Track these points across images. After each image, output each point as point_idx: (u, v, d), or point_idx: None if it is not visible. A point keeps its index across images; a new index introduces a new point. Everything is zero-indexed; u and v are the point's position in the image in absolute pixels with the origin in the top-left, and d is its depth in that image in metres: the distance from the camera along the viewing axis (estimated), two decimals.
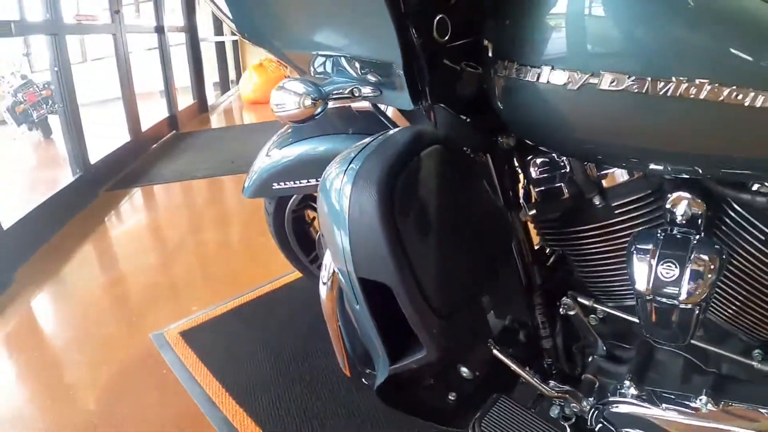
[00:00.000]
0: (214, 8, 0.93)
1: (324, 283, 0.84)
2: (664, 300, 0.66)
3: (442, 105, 0.79)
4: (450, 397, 0.95)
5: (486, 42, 0.72)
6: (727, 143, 0.58)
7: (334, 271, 0.81)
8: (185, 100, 5.29)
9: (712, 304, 0.76)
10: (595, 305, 0.88)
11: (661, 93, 0.54)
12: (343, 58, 0.79)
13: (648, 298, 0.68)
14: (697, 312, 0.65)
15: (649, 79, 0.54)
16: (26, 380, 1.48)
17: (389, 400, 0.86)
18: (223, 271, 1.99)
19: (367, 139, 0.72)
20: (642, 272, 0.67)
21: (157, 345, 1.52)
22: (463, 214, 0.75)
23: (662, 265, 0.65)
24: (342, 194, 0.67)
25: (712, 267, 0.63)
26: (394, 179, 0.65)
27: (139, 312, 1.74)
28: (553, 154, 0.81)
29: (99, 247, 2.32)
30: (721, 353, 0.79)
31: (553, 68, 0.61)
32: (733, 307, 0.74)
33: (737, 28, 0.52)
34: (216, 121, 5.39)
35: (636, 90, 0.55)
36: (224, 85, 7.08)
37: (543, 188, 0.84)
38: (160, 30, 4.64)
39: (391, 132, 0.75)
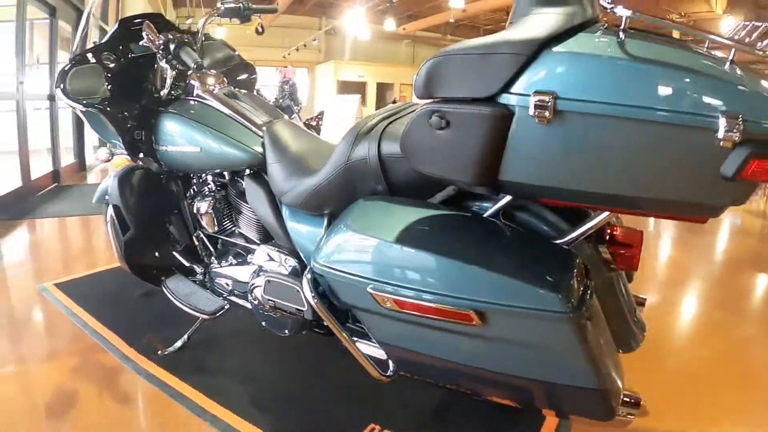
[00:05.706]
0: (72, 106, 2.02)
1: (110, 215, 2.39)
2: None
3: (149, 158, 2.08)
4: (162, 277, 2.23)
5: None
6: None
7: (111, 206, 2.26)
8: (67, 158, 6.52)
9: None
10: (215, 235, 2.12)
11: None
12: (119, 140, 2.05)
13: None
14: (202, 236, 2.19)
15: None
16: None
17: (132, 268, 2.23)
18: (83, 261, 3.40)
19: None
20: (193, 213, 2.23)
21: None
22: (151, 193, 2.19)
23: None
24: (110, 180, 2.20)
25: (208, 204, 2.01)
26: (124, 176, 2.16)
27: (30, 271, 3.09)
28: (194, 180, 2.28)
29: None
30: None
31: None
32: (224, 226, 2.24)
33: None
34: (92, 178, 6.62)
35: None
36: None
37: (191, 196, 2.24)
38: (51, 98, 5.86)
39: (130, 165, 2.29)
